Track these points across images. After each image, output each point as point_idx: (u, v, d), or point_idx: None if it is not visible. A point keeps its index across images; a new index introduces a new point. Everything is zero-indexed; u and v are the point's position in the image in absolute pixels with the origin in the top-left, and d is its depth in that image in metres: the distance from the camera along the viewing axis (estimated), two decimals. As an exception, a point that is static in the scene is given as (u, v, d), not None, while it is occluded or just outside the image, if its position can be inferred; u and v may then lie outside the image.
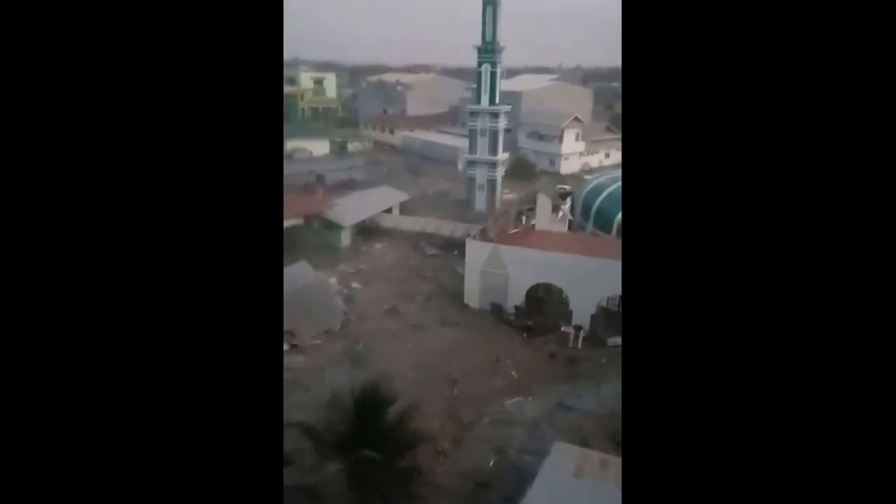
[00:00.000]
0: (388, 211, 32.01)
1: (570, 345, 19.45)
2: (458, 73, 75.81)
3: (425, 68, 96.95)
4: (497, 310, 21.46)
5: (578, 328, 19.90)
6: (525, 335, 19.98)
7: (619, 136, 50.43)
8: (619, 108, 71.09)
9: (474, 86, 34.45)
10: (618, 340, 19.38)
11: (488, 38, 32.39)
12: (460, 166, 41.23)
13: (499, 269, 21.41)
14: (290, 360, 17.75)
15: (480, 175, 34.67)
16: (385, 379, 12.42)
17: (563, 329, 20.10)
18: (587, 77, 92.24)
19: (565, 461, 11.13)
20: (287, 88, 73.09)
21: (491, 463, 13.53)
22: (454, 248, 26.66)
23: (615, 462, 11.34)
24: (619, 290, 20.33)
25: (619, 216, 25.68)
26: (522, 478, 12.51)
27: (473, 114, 34.27)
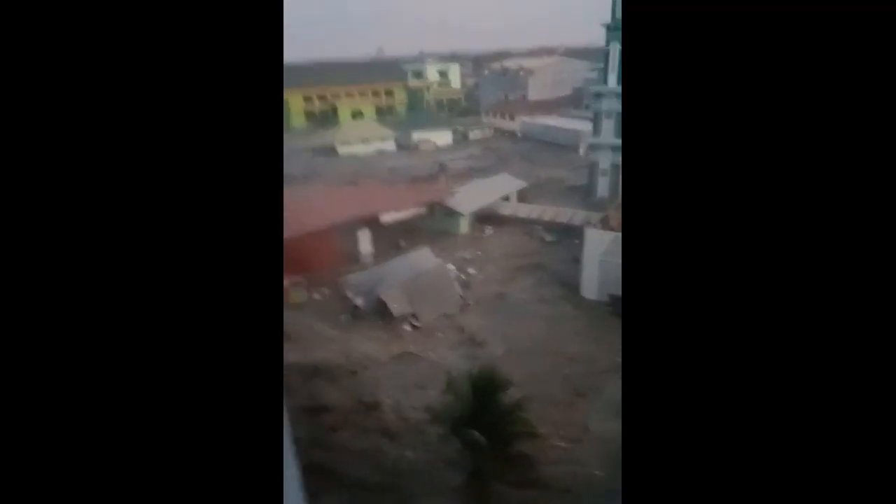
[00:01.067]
0: (506, 198, 32.13)
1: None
2: (583, 53, 72.53)
3: (548, 51, 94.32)
4: (615, 302, 20.57)
5: None
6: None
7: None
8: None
9: (601, 66, 32.85)
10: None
11: (619, 14, 30.58)
12: (582, 151, 39.74)
13: (619, 259, 20.45)
14: (411, 340, 18.91)
15: (604, 160, 33.12)
16: (499, 364, 12.71)
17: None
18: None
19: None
20: (414, 82, 76.43)
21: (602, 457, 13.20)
22: (573, 236, 25.99)
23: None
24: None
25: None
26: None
27: (598, 95, 32.74)
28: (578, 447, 13.61)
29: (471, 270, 24.59)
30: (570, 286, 22.12)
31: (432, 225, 28.65)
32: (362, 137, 53.84)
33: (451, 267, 24.21)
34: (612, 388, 15.85)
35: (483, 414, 11.04)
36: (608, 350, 17.74)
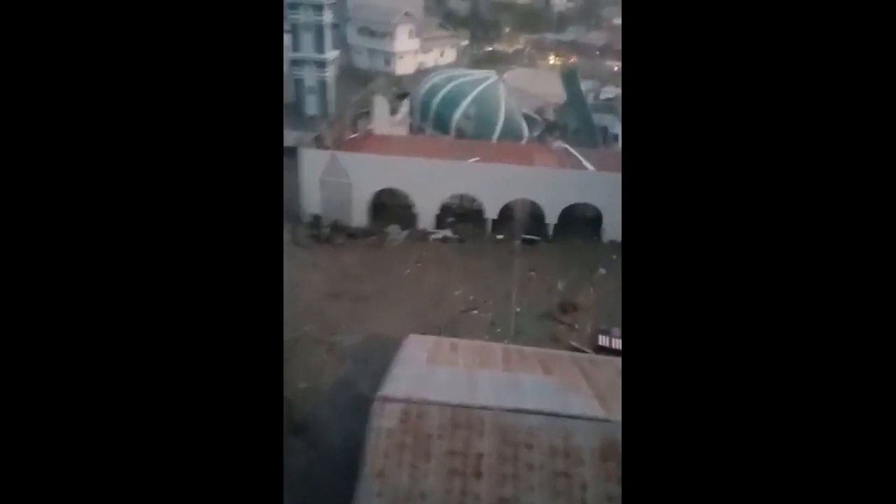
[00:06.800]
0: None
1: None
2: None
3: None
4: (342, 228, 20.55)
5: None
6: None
7: (453, 32, 49.71)
8: (452, 3, 69.00)
9: (292, -27, 30.04)
10: (445, 233, 20.32)
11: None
12: (285, 67, 37.01)
13: (340, 178, 20.23)
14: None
15: (309, 76, 31.51)
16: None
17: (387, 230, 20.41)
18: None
19: (418, 350, 11.48)
20: None
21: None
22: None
23: (464, 344, 12.24)
24: (465, 190, 20.87)
25: (457, 115, 25.74)
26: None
27: (294, 6, 30.20)
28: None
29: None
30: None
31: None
32: None
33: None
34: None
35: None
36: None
